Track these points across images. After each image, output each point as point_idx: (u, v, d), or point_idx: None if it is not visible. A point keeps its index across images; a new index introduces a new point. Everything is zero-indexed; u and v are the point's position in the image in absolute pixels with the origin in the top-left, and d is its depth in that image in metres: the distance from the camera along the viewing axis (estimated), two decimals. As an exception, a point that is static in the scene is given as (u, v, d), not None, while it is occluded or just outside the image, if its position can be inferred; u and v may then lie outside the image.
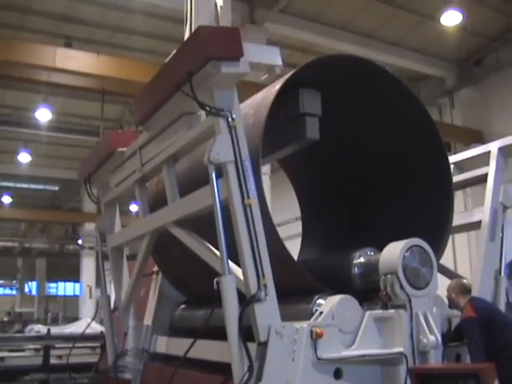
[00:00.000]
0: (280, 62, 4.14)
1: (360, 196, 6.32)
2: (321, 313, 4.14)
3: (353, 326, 4.18)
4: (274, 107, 4.63)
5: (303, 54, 15.72)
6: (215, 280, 3.87)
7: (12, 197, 29.90)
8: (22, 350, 10.34)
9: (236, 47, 3.87)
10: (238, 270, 3.94)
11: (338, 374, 4.01)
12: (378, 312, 4.31)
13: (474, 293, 5.22)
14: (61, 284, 43.28)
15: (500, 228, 5.51)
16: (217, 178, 3.99)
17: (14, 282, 40.94)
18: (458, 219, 5.85)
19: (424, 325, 4.19)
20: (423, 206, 5.65)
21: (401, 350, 4.10)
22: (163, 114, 4.63)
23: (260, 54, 4.20)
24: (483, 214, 5.54)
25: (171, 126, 4.73)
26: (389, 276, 4.25)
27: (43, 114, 18.26)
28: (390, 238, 4.60)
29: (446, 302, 4.92)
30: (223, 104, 3.99)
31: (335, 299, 4.22)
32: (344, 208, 6.53)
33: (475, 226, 5.58)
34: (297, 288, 4.54)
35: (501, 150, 5.71)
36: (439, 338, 4.17)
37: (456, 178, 6.03)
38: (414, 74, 17.76)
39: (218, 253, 4.05)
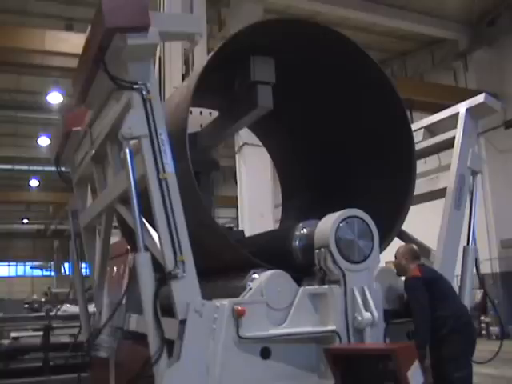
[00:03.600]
0: (199, 30, 3.91)
1: (329, 165, 6.11)
2: (250, 289, 3.96)
3: (285, 303, 3.98)
4: (203, 78, 4.43)
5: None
6: (129, 257, 3.75)
7: (39, 180, 30.46)
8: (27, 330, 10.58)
9: (141, 17, 3.66)
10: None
11: (265, 353, 3.82)
12: (312, 288, 4.09)
13: (436, 264, 4.94)
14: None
15: (466, 195, 5.16)
16: (131, 153, 3.85)
17: (51, 263, 42.02)
18: (422, 187, 5.54)
19: (359, 301, 3.93)
20: (385, 172, 5.40)
21: (333, 327, 3.89)
22: (95, 91, 4.49)
23: (174, 22, 3.98)
24: (449, 180, 5.19)
25: (107, 101, 4.61)
26: (322, 250, 4.02)
27: (55, 98, 18.39)
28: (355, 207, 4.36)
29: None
30: (137, 77, 3.82)
31: (265, 275, 4.03)
32: (316, 178, 6.34)
33: (441, 193, 5.22)
34: (238, 265, 4.38)
35: (469, 110, 5.33)
36: (376, 314, 3.90)
37: (425, 144, 5.70)
38: (426, 38, 17.11)
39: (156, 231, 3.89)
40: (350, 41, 5.09)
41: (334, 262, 3.95)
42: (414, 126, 5.87)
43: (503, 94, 15.33)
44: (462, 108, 5.38)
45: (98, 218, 5.60)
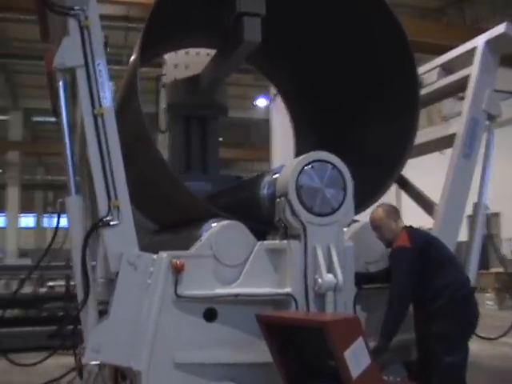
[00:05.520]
0: None
1: (332, 105, 5.56)
2: (200, 242, 3.51)
3: (238, 259, 3.51)
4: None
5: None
6: (58, 201, 3.40)
7: None
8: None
9: None
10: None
11: (209, 315, 3.38)
12: (270, 243, 3.59)
13: (437, 222, 4.28)
14: None
15: (479, 142, 4.41)
16: (64, 86, 3.45)
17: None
18: (430, 133, 4.83)
19: (321, 260, 3.35)
20: (388, 115, 4.80)
21: (289, 290, 3.37)
22: (51, 25, 4.09)
23: None
24: (459, 124, 4.45)
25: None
26: (282, 199, 3.47)
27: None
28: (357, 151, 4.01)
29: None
30: (74, 2, 3.42)
31: (216, 226, 3.56)
32: (321, 119, 5.82)
33: (450, 141, 4.49)
34: (201, 216, 3.92)
35: (488, 44, 4.50)
36: (340, 277, 3.33)
37: (439, 84, 4.93)
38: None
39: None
40: None
41: (293, 213, 3.39)
42: (428, 65, 5.14)
43: None
44: (480, 41, 4.57)
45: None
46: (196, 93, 5.84)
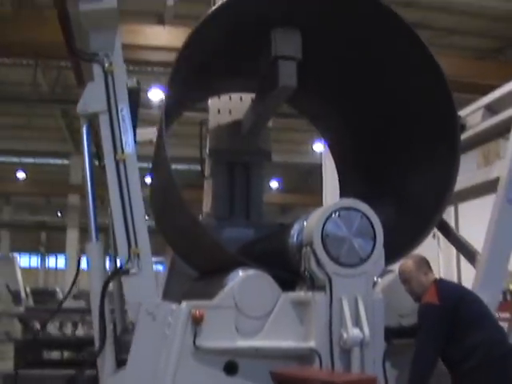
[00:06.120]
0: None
1: (373, 149, 5.38)
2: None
3: (262, 310, 3.36)
4: (184, 57, 3.89)
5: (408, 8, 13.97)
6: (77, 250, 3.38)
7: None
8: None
9: None
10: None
11: (230, 368, 3.23)
12: (295, 294, 3.42)
13: (480, 272, 3.99)
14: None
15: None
16: (87, 131, 3.47)
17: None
18: (472, 178, 4.58)
19: (347, 313, 3.15)
20: (429, 161, 4.58)
21: (312, 345, 3.18)
22: (84, 70, 4.18)
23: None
24: (503, 167, 4.19)
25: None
26: (308, 248, 3.32)
27: (155, 94, 18.63)
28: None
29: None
30: (98, 47, 3.48)
31: (240, 275, 3.43)
32: (364, 164, 5.63)
33: (494, 186, 4.22)
34: (229, 264, 3.81)
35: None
36: (367, 331, 3.11)
37: (483, 125, 4.68)
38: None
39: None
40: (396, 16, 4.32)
41: (318, 263, 3.23)
42: (472, 106, 4.92)
43: None
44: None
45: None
46: (238, 138, 5.80)
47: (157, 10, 15.12)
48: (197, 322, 3.16)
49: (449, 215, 15.52)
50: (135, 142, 3.47)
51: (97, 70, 3.44)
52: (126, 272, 3.23)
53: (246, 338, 3.28)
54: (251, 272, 3.46)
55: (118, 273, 3.25)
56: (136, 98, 3.71)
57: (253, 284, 3.38)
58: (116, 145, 3.35)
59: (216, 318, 3.24)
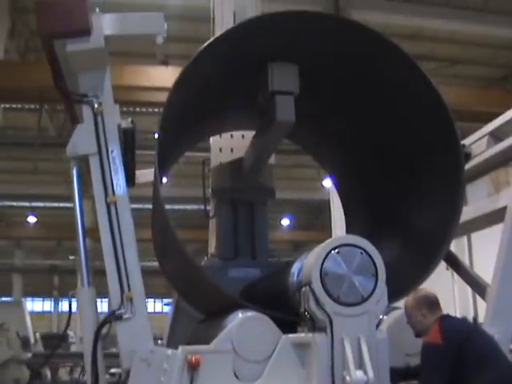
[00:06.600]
0: (159, 30, 3.41)
1: (375, 182, 5.25)
2: (223, 336, 3.24)
3: (262, 354, 3.20)
4: (176, 94, 3.85)
5: (412, 41, 14.07)
6: (70, 293, 3.28)
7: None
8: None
9: (77, 20, 3.25)
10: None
11: (231, 416, 3.07)
12: (295, 336, 3.26)
13: (490, 305, 3.82)
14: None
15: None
16: (78, 174, 3.41)
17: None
18: (482, 207, 4.44)
19: (350, 355, 2.99)
20: (433, 193, 4.45)
21: (313, 388, 3.01)
22: (78, 112, 4.14)
23: (124, 24, 3.49)
24: (510, 196, 4.06)
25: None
26: (307, 287, 3.18)
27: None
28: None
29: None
30: (88, 88, 3.42)
31: (238, 319, 3.29)
32: (366, 195, 5.51)
33: (501, 215, 4.09)
34: (226, 306, 3.68)
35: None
36: (371, 374, 2.94)
37: (488, 153, 4.57)
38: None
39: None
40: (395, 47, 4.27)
41: (318, 303, 3.08)
42: (477, 134, 4.82)
43: None
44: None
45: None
46: (240, 176, 5.71)
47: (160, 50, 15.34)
48: (193, 367, 3.01)
49: (462, 247, 15.30)
50: (131, 183, 3.38)
51: (86, 111, 3.39)
52: (119, 318, 3.11)
53: (245, 383, 3.13)
54: (250, 314, 3.31)
55: (110, 319, 3.12)
56: (131, 139, 3.64)
57: (251, 327, 3.23)
58: (107, 187, 3.28)
59: (214, 363, 3.09)
